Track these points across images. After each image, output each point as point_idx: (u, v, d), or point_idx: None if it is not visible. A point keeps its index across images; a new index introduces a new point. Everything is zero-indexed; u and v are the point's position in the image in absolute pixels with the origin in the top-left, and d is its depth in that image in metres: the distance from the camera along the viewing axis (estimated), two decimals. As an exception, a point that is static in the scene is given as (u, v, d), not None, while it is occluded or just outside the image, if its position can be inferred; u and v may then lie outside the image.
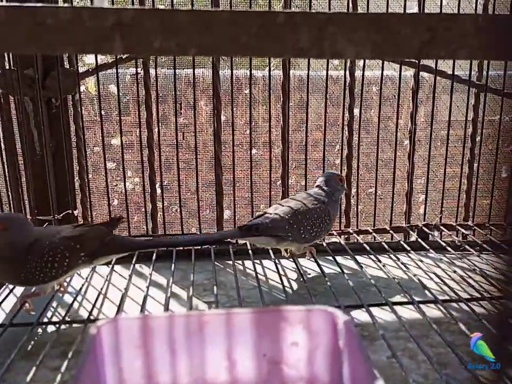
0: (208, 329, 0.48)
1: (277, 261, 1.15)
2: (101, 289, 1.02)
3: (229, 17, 0.38)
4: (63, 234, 0.88)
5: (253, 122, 1.49)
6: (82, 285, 1.06)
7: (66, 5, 1.10)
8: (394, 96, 1.45)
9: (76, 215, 1.32)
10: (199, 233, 1.31)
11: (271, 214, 1.06)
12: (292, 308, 0.50)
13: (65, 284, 1.02)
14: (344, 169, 1.36)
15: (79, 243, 0.88)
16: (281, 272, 1.14)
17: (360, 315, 0.95)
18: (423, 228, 1.36)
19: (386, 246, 1.22)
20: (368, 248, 1.21)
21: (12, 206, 1.22)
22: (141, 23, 0.38)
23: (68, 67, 1.25)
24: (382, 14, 0.40)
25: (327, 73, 1.27)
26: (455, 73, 1.35)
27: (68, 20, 0.37)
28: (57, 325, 0.88)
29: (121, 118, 1.26)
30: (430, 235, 1.35)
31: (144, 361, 0.48)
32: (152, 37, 0.38)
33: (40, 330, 0.91)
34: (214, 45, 0.39)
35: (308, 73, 1.27)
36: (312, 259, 1.16)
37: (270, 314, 0.50)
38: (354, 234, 1.33)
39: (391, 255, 1.20)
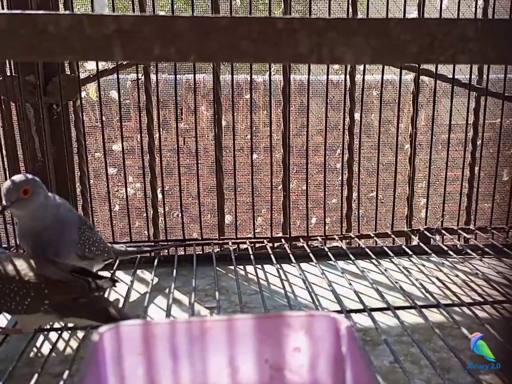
0: (210, 335, 0.48)
1: (278, 266, 1.15)
2: (102, 295, 1.02)
3: (228, 23, 0.38)
4: (42, 272, 0.79)
5: (254, 127, 1.49)
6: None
7: (67, 12, 1.11)
8: (395, 100, 1.45)
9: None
10: (200, 238, 1.31)
11: None
12: (293, 313, 0.50)
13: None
14: (345, 174, 1.36)
15: (48, 289, 0.77)
16: (283, 277, 1.14)
17: (363, 320, 0.94)
18: (425, 232, 1.36)
19: (388, 250, 1.22)
20: (369, 252, 1.21)
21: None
22: (140, 30, 0.38)
23: (69, 73, 1.26)
24: (380, 19, 0.40)
25: (327, 78, 1.28)
26: (455, 77, 1.35)
27: (68, 27, 0.37)
28: (59, 331, 0.88)
29: (122, 123, 1.27)
30: (431, 239, 1.34)
31: (146, 367, 0.47)
32: (152, 43, 0.38)
33: (42, 336, 0.90)
34: (214, 51, 0.39)
35: (308, 77, 1.27)
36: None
37: (272, 320, 0.50)
38: (356, 239, 1.33)
39: (393, 259, 1.20)
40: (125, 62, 1.25)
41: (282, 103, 1.31)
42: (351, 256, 1.18)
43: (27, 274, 0.77)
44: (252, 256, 1.19)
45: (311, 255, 1.19)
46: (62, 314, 0.79)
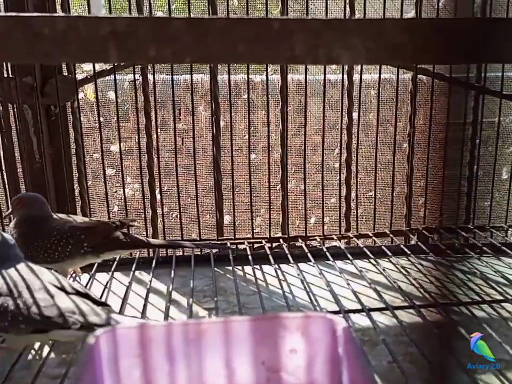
0: (207, 337, 0.48)
1: (276, 266, 1.15)
2: (101, 296, 1.02)
3: (224, 25, 0.38)
4: (74, 224, 1.00)
5: (252, 127, 1.49)
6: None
7: (62, 14, 1.10)
8: (393, 99, 1.45)
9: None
10: (198, 239, 1.31)
11: None
12: (290, 315, 0.50)
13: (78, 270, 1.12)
14: (343, 173, 1.36)
15: (84, 234, 0.98)
16: (281, 278, 1.14)
17: (361, 320, 0.94)
18: (423, 231, 1.35)
19: (386, 250, 1.22)
20: (368, 252, 1.21)
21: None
22: (136, 31, 0.38)
23: (66, 74, 1.25)
24: (377, 20, 0.40)
25: (324, 77, 1.28)
26: (453, 75, 1.35)
27: (64, 30, 0.37)
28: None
29: (120, 124, 1.27)
30: (430, 238, 1.34)
31: (143, 370, 0.47)
32: (148, 45, 0.38)
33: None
34: (210, 53, 0.39)
35: (306, 77, 1.27)
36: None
37: (268, 322, 0.50)
38: (354, 239, 1.33)
39: (391, 259, 1.20)
40: (122, 63, 1.25)
41: (280, 103, 1.31)
42: (349, 256, 1.18)
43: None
44: (250, 257, 1.19)
45: (309, 255, 1.19)
46: (98, 252, 1.00)
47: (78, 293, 0.76)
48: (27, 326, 0.72)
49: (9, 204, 1.10)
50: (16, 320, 0.71)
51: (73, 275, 1.11)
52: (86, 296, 0.77)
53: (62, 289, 0.76)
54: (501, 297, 0.98)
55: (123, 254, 1.18)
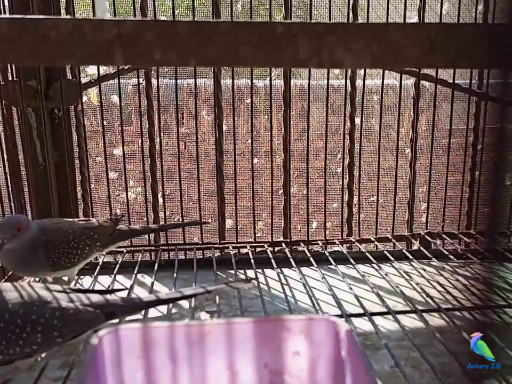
0: (210, 339, 0.48)
1: (279, 270, 1.15)
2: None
3: (229, 28, 0.39)
4: (82, 225, 1.03)
5: (255, 132, 1.49)
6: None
7: (68, 16, 1.11)
8: (395, 105, 1.45)
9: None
10: (201, 242, 1.31)
11: None
12: (293, 317, 0.50)
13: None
14: (345, 178, 1.36)
15: (97, 234, 1.03)
16: (283, 281, 1.14)
17: (363, 324, 0.94)
18: (426, 236, 1.35)
19: (388, 255, 1.22)
20: (370, 256, 1.21)
21: (14, 216, 1.22)
22: (141, 34, 0.38)
23: (70, 78, 1.26)
24: (380, 24, 0.41)
25: (327, 83, 1.28)
26: (456, 81, 1.35)
27: (69, 33, 0.37)
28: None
29: (123, 128, 1.27)
30: (432, 243, 1.34)
31: (146, 371, 0.47)
32: (153, 48, 0.38)
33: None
34: (214, 56, 0.39)
35: (309, 82, 1.27)
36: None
37: (271, 324, 0.50)
38: (357, 243, 1.33)
39: (394, 264, 1.20)
40: (126, 67, 1.26)
41: (283, 108, 1.31)
42: (351, 260, 1.18)
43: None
44: (252, 261, 1.19)
45: (311, 259, 1.19)
46: (106, 247, 1.07)
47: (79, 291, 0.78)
48: (63, 336, 0.70)
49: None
50: (49, 333, 0.69)
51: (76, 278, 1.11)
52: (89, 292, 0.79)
53: (64, 291, 0.76)
54: (504, 303, 0.97)
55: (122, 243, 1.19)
